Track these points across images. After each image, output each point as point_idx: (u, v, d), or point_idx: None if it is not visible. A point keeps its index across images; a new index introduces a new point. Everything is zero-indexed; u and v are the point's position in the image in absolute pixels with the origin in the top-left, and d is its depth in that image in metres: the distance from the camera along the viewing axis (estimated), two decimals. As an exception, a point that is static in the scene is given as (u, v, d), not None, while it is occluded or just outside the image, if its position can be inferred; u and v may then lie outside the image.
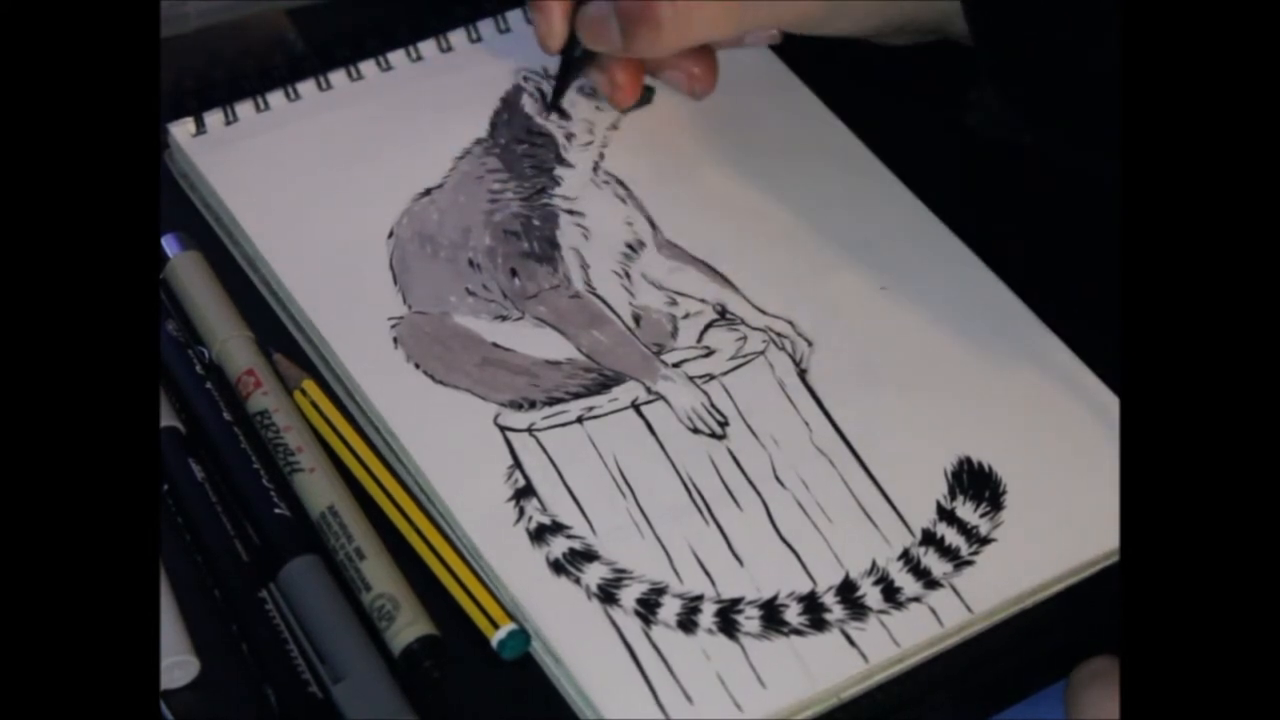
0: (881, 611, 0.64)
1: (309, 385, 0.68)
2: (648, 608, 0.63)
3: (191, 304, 0.70)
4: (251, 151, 0.75)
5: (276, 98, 0.77)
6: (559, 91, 0.76)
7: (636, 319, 0.71)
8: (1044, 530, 0.66)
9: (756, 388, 0.69)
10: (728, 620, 0.63)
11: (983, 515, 0.66)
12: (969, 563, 0.65)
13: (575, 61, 0.76)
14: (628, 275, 0.72)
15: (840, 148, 0.77)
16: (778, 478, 0.67)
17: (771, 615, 0.63)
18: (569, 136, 0.77)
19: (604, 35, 0.73)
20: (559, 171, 0.75)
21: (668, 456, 0.67)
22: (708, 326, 0.71)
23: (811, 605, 0.64)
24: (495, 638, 0.62)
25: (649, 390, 0.69)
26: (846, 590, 0.64)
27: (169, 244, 0.72)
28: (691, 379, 0.69)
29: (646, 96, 0.78)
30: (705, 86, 0.76)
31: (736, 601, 0.64)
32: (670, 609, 0.63)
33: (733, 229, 0.74)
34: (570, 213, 0.74)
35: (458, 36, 0.79)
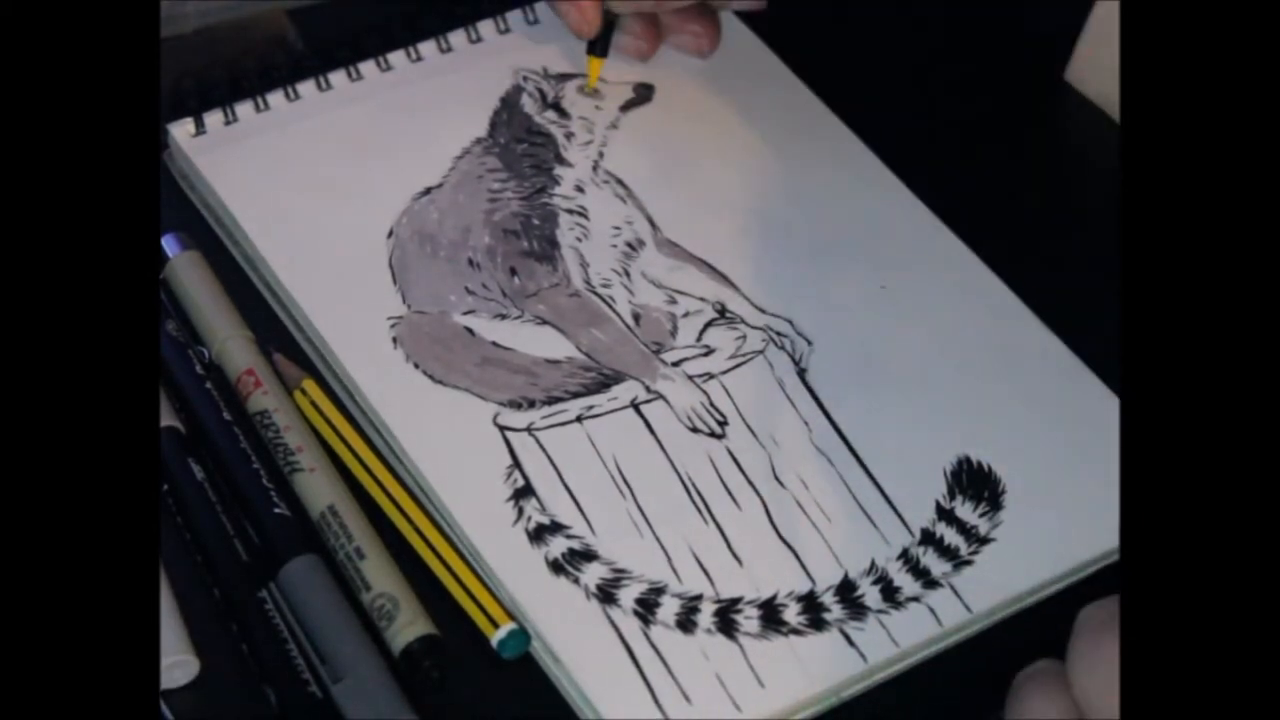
0: (880, 611, 0.64)
1: (309, 385, 0.68)
2: (647, 607, 0.63)
3: (191, 304, 0.70)
4: (251, 151, 0.75)
5: (276, 98, 0.77)
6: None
7: (636, 318, 0.71)
8: (1043, 530, 0.66)
9: (756, 387, 0.69)
10: (727, 620, 0.63)
11: (982, 515, 0.66)
12: (968, 562, 0.65)
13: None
14: (627, 274, 0.72)
15: (839, 146, 0.77)
16: (777, 477, 0.67)
17: (770, 615, 0.63)
18: (568, 136, 0.77)
19: None
20: (558, 171, 0.75)
21: (667, 456, 0.67)
22: (707, 325, 0.71)
23: (810, 605, 0.64)
24: (495, 637, 0.62)
25: (648, 389, 0.69)
26: (845, 590, 0.64)
27: (169, 244, 0.72)
28: (691, 378, 0.69)
29: (645, 95, 0.78)
30: (710, 45, 0.79)
31: (735, 601, 0.64)
32: (669, 609, 0.63)
33: (732, 227, 0.74)
34: (570, 212, 0.74)
35: (457, 37, 0.79)
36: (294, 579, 0.63)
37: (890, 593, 0.64)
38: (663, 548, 0.65)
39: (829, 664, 0.62)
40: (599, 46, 0.78)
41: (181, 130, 0.75)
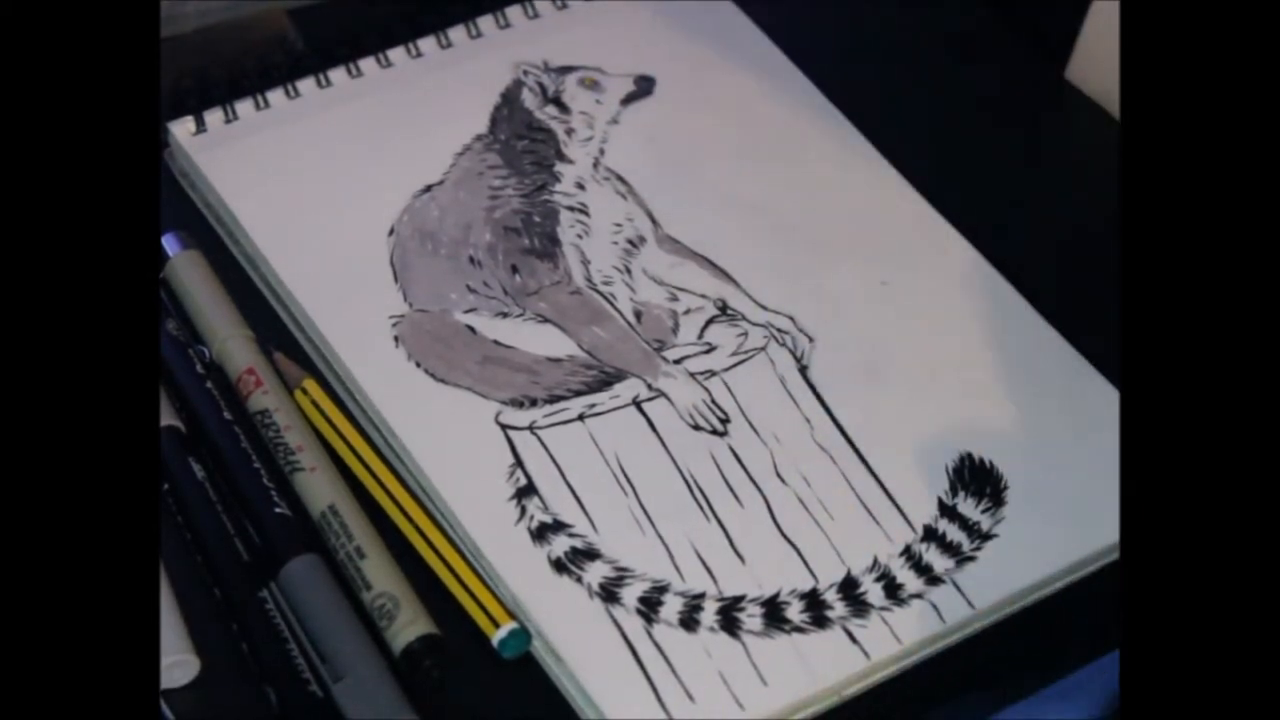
0: (883, 608, 0.64)
1: (310, 384, 0.68)
2: (649, 606, 0.63)
3: (191, 303, 0.70)
4: (251, 150, 0.75)
5: (276, 96, 0.77)
6: None
7: (638, 315, 0.71)
8: (1045, 525, 0.66)
9: (757, 384, 0.69)
10: (729, 618, 0.63)
11: (984, 511, 0.66)
12: (971, 559, 0.65)
13: None
14: (629, 271, 0.72)
15: (841, 141, 0.77)
16: (779, 475, 0.67)
17: (773, 613, 0.63)
18: (569, 132, 0.76)
19: None
20: (559, 167, 0.75)
21: (669, 454, 0.67)
22: (709, 322, 0.71)
23: (813, 602, 0.64)
24: (496, 636, 0.62)
25: (650, 387, 0.69)
26: (848, 587, 0.64)
27: (169, 243, 0.72)
28: (693, 375, 0.69)
29: (646, 87, 0.78)
30: None
31: (738, 599, 0.64)
32: (672, 607, 0.63)
33: (733, 224, 0.74)
34: (571, 209, 0.74)
35: (457, 33, 0.79)
36: (294, 579, 0.63)
37: (893, 590, 0.64)
38: (665, 546, 0.65)
39: (832, 662, 0.62)
40: None
41: (182, 129, 0.75)
